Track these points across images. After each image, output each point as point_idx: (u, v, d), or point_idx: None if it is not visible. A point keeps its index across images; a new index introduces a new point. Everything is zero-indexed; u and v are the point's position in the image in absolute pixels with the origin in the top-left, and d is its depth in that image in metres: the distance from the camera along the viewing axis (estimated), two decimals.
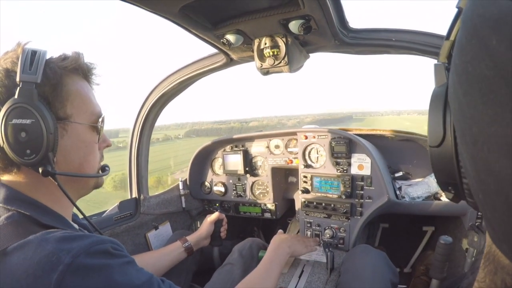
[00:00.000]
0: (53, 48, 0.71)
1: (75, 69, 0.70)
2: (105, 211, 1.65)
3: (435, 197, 1.47)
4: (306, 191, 1.65)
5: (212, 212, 1.57)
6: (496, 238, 0.26)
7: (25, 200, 0.64)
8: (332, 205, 1.57)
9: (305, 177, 1.66)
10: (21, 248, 0.54)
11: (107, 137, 0.81)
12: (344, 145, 1.52)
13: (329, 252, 1.39)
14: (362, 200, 1.52)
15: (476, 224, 1.21)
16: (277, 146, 1.85)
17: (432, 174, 1.50)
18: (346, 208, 1.54)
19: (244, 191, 1.96)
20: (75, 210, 0.80)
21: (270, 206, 1.90)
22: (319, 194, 1.63)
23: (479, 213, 1.26)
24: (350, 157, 1.54)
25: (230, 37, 1.04)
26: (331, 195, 1.59)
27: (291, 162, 1.79)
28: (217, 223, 1.53)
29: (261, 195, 1.93)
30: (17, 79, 0.60)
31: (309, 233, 1.67)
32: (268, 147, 1.86)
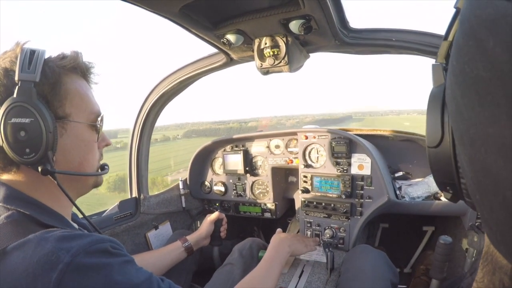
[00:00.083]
0: (53, 48, 0.71)
1: (74, 68, 0.70)
2: (105, 210, 1.65)
3: (435, 197, 1.47)
4: (306, 190, 1.65)
5: (212, 212, 1.57)
6: (494, 239, 0.26)
7: (24, 199, 0.64)
8: (332, 205, 1.58)
9: (305, 176, 1.66)
10: (20, 247, 0.54)
11: (106, 136, 0.81)
12: (344, 145, 1.52)
13: (329, 252, 1.39)
14: (362, 200, 1.52)
15: (476, 224, 1.21)
16: (277, 146, 1.85)
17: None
18: (346, 208, 1.54)
19: (244, 190, 1.96)
20: (74, 210, 0.80)
21: (270, 205, 1.90)
22: (319, 194, 1.63)
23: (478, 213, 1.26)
24: (350, 157, 1.54)
25: (231, 37, 1.04)
26: (331, 195, 1.59)
27: (291, 162, 1.79)
28: (217, 222, 1.53)
29: (261, 195, 1.93)
30: (16, 78, 0.60)
31: (309, 233, 1.68)
32: (268, 147, 1.86)
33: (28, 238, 0.55)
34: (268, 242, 1.35)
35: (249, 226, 2.40)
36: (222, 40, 1.06)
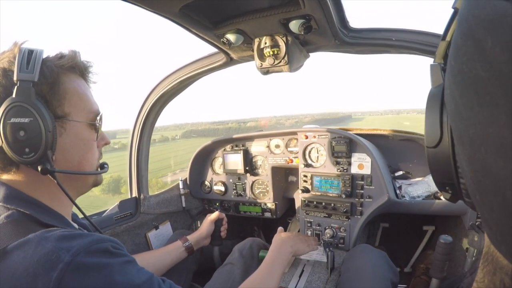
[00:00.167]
0: (53, 48, 0.71)
1: (72, 67, 0.70)
2: (105, 210, 1.65)
3: (435, 196, 1.47)
4: (306, 190, 1.65)
5: (212, 212, 1.57)
6: (494, 239, 0.26)
7: (24, 199, 0.64)
8: (332, 205, 1.58)
9: (305, 176, 1.66)
10: (21, 247, 0.54)
11: (105, 135, 0.81)
12: (344, 145, 1.52)
13: (329, 252, 1.39)
14: (362, 200, 1.52)
15: (477, 223, 1.21)
16: (277, 146, 1.85)
17: None
18: (346, 208, 1.54)
19: (244, 190, 1.96)
20: (74, 210, 0.80)
21: (270, 205, 1.90)
22: (319, 194, 1.63)
23: (478, 213, 1.25)
24: (350, 157, 1.54)
25: (231, 37, 1.04)
26: (331, 194, 1.59)
27: (291, 162, 1.79)
28: (217, 222, 1.53)
29: (261, 195, 1.93)
30: (15, 78, 0.60)
31: (309, 232, 1.68)
32: (268, 146, 1.86)
33: (28, 237, 0.55)
34: (268, 242, 1.35)
35: (249, 226, 2.40)
36: (222, 39, 1.06)
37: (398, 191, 1.54)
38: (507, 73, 0.19)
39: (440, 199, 1.44)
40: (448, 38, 0.36)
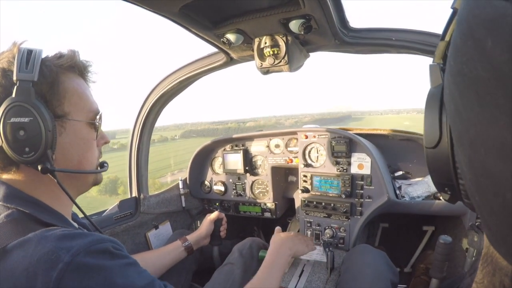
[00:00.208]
0: (53, 49, 0.72)
1: (71, 66, 0.70)
2: (105, 210, 1.65)
3: (435, 196, 1.46)
4: (306, 190, 1.65)
5: (212, 212, 1.57)
6: (494, 241, 0.26)
7: (24, 198, 0.64)
8: (332, 205, 1.58)
9: (305, 176, 1.66)
10: (21, 246, 0.54)
11: (105, 134, 0.81)
12: (344, 145, 1.52)
13: (329, 252, 1.39)
14: (362, 200, 1.52)
15: (476, 224, 1.21)
16: (277, 146, 1.85)
17: None
18: (346, 208, 1.54)
19: (244, 190, 1.96)
20: (74, 209, 0.80)
21: (270, 205, 1.90)
22: (319, 193, 1.63)
23: (478, 214, 1.25)
24: (350, 157, 1.54)
25: (231, 36, 1.04)
26: (331, 195, 1.59)
27: (291, 162, 1.79)
28: (217, 222, 1.53)
29: (261, 194, 1.93)
30: (14, 78, 0.60)
31: (309, 232, 1.68)
32: (268, 146, 1.86)
33: (29, 237, 0.55)
34: (268, 241, 1.34)
35: (249, 225, 2.40)
36: (222, 39, 1.06)
37: (398, 191, 1.54)
38: (507, 74, 0.19)
39: (440, 199, 1.44)
40: (447, 38, 0.36)
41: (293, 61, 1.08)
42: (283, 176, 2.01)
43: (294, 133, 1.76)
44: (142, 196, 1.70)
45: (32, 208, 0.62)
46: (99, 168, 0.79)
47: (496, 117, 0.20)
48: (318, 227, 1.64)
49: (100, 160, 0.80)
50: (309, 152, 1.68)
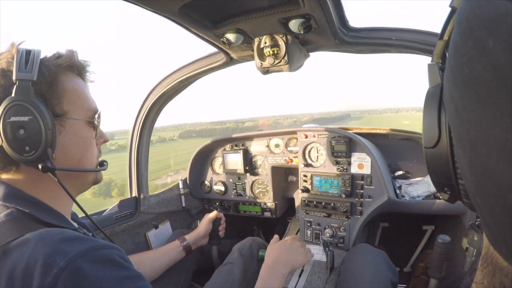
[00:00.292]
0: (54, 48, 0.72)
1: (70, 66, 0.70)
2: (105, 210, 1.65)
3: (435, 196, 1.47)
4: (306, 190, 1.65)
5: (212, 211, 1.57)
6: (495, 242, 0.26)
7: (24, 198, 0.64)
8: (332, 204, 1.58)
9: (305, 176, 1.66)
10: (19, 247, 0.54)
11: (104, 133, 0.81)
12: (344, 144, 1.52)
13: (329, 251, 1.38)
14: (362, 199, 1.52)
15: (476, 223, 1.21)
16: (277, 145, 1.85)
17: None
18: (346, 207, 1.54)
19: (244, 190, 1.96)
20: (74, 209, 0.80)
21: (270, 205, 1.90)
22: (319, 193, 1.63)
23: (479, 215, 1.25)
24: (350, 156, 1.54)
25: (230, 36, 1.04)
26: (331, 194, 1.59)
27: (291, 161, 1.79)
28: (215, 222, 1.53)
29: (261, 194, 1.93)
30: (14, 77, 0.60)
31: (309, 232, 1.68)
32: (268, 146, 1.86)
33: (27, 237, 0.55)
34: (268, 241, 1.34)
35: (249, 225, 2.40)
36: (222, 39, 1.05)
37: (398, 191, 1.54)
38: (509, 74, 0.18)
39: (439, 198, 1.44)
40: (445, 37, 0.35)
41: (293, 61, 1.08)
42: (283, 176, 2.01)
43: (294, 132, 1.76)
44: (142, 195, 1.70)
45: (32, 208, 0.62)
46: (98, 167, 0.79)
47: (498, 119, 0.20)
48: (318, 227, 1.64)
49: (100, 159, 0.80)
50: (309, 151, 1.68)
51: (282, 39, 1.04)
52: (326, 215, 1.62)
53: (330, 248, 1.43)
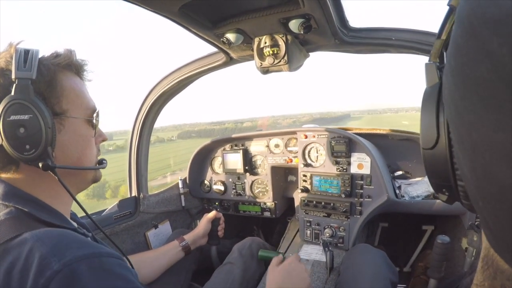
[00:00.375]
0: (54, 48, 0.72)
1: (68, 65, 0.71)
2: (105, 209, 1.65)
3: (435, 196, 1.46)
4: (305, 190, 1.65)
5: (211, 211, 1.57)
6: (498, 247, 0.25)
7: (23, 197, 0.64)
8: (332, 204, 1.58)
9: (304, 176, 1.66)
10: (18, 246, 0.54)
11: (102, 131, 0.82)
12: (344, 144, 1.52)
13: (328, 251, 1.38)
14: (362, 199, 1.52)
15: (476, 223, 1.21)
16: (277, 145, 1.85)
17: None
18: (345, 207, 1.54)
19: (244, 190, 1.96)
20: (73, 208, 0.80)
21: (270, 205, 1.90)
22: (319, 193, 1.63)
23: (480, 218, 1.24)
24: (349, 156, 1.54)
25: (230, 36, 1.04)
26: (330, 194, 1.59)
27: (291, 161, 1.79)
28: (214, 222, 1.53)
29: (261, 194, 1.93)
30: (13, 76, 0.60)
31: (308, 232, 1.68)
32: (268, 146, 1.86)
33: (25, 237, 0.55)
34: (267, 241, 1.34)
35: (248, 225, 2.40)
36: (221, 39, 1.05)
37: (397, 191, 1.54)
38: None
39: (439, 199, 1.44)
40: (443, 36, 0.35)
41: (292, 61, 1.08)
42: (283, 176, 2.01)
43: (294, 132, 1.76)
44: (141, 195, 1.70)
45: (31, 207, 0.62)
46: (98, 165, 0.79)
47: (502, 122, 0.19)
48: (317, 227, 1.64)
49: (99, 157, 0.80)
50: (309, 151, 1.68)
51: (282, 39, 1.04)
52: (326, 215, 1.62)
53: (330, 248, 1.42)
